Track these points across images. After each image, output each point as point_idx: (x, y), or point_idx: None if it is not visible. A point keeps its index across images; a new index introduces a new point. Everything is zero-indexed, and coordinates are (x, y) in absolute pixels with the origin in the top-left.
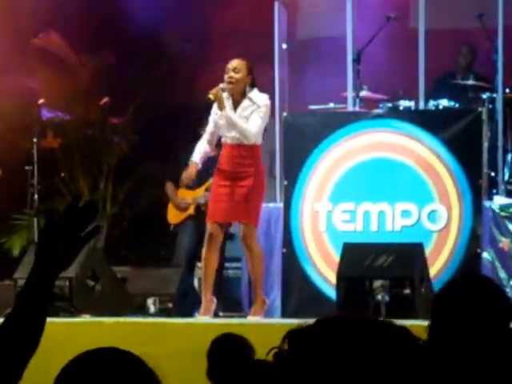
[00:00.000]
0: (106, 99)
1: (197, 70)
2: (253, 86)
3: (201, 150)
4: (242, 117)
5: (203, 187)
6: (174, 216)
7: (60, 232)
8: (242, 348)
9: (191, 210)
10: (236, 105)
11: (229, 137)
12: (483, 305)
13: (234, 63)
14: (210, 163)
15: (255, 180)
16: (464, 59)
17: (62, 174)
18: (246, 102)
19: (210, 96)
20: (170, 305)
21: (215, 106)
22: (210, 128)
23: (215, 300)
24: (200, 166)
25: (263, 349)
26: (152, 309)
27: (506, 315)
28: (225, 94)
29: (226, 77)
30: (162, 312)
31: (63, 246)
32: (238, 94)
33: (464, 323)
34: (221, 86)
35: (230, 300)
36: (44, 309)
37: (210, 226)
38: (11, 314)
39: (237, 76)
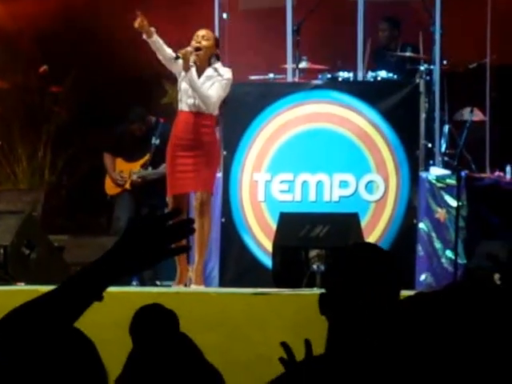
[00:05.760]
0: (44, 67)
1: (136, 41)
2: (218, 58)
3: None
4: (205, 84)
5: (140, 162)
6: (111, 187)
7: (149, 236)
8: (167, 319)
9: (127, 185)
10: (200, 73)
11: (187, 104)
12: (374, 272)
13: (203, 31)
14: (149, 136)
15: (212, 148)
16: (383, 34)
17: (0, 143)
18: (209, 71)
19: (179, 54)
20: None
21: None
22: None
23: (190, 268)
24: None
25: (200, 317)
26: None
27: (396, 284)
28: (191, 59)
29: (193, 43)
30: None
31: (146, 251)
32: (204, 62)
33: (355, 292)
34: (189, 49)
35: (168, 268)
36: (90, 300)
37: (171, 200)
38: (62, 286)
39: (204, 43)
